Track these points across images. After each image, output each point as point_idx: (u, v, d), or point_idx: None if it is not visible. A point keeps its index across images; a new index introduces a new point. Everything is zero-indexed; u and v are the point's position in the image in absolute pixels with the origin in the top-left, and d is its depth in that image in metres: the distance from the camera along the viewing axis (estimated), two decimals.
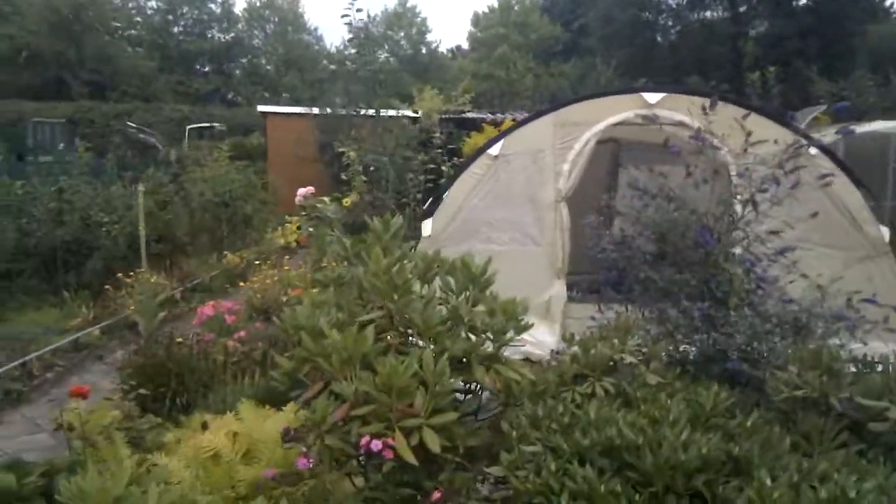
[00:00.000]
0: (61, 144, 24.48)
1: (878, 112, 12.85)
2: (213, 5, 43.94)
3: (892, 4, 25.11)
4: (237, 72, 44.42)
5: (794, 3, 26.15)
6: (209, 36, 43.32)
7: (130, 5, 42.36)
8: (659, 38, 29.15)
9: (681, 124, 6.82)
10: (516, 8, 43.81)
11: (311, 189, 9.16)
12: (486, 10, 45.22)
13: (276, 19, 45.18)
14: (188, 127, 26.01)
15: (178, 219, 10.12)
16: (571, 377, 3.83)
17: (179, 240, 10.24)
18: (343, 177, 14.64)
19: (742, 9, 27.03)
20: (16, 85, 27.89)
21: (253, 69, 43.85)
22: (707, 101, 4.89)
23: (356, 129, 15.03)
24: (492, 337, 3.46)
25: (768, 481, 2.50)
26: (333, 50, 46.30)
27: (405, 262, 3.67)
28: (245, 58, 44.64)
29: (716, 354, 4.02)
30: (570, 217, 6.80)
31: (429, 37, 46.60)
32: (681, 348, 4.21)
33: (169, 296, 8.42)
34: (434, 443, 2.94)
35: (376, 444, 2.87)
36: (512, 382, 3.56)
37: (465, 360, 3.45)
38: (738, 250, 4.49)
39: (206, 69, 42.15)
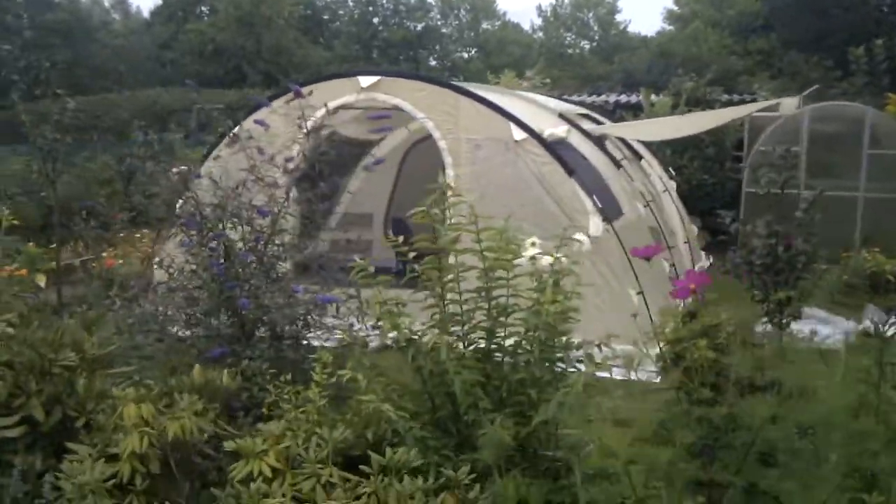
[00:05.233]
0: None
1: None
2: None
3: None
4: (431, 60, 45.92)
5: None
6: (405, 25, 45.23)
7: None
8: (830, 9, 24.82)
9: (396, 108, 7.20)
10: None
11: None
12: None
13: (468, 6, 45.90)
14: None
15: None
16: None
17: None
18: None
19: None
20: (201, 75, 31.49)
21: (444, 55, 45.06)
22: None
23: None
24: None
25: None
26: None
27: None
28: (437, 45, 45.96)
29: None
30: None
31: (618, 17, 44.31)
32: None
33: None
34: None
35: None
36: None
37: None
38: None
39: (400, 57, 44.10)
